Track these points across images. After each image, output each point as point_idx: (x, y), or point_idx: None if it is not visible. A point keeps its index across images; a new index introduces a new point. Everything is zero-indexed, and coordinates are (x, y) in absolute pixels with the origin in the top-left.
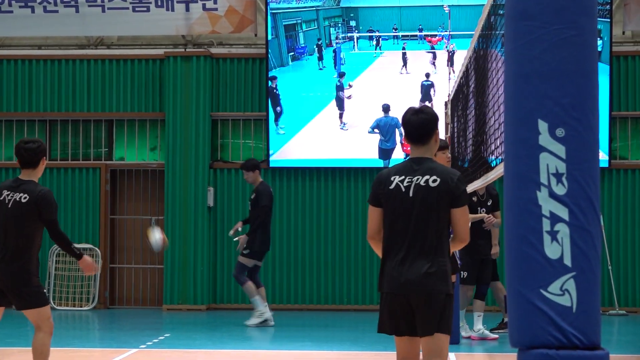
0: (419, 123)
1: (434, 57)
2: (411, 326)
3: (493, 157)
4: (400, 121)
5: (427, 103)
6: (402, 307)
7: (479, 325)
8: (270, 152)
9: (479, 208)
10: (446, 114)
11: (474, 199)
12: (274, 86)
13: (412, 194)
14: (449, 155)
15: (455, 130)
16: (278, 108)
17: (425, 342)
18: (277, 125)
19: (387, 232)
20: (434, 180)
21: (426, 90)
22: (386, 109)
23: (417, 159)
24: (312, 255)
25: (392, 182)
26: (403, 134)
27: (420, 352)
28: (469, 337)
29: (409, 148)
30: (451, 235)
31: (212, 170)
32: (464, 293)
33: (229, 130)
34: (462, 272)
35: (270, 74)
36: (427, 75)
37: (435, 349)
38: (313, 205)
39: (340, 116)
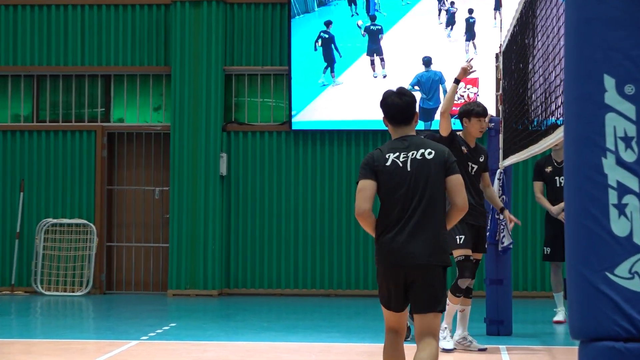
0: (404, 106)
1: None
2: (406, 300)
3: (553, 119)
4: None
5: (471, 42)
6: (403, 282)
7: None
8: (293, 112)
9: (556, 177)
10: (497, 67)
11: (548, 169)
12: (328, 31)
13: (410, 168)
14: (486, 123)
15: (509, 86)
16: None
17: (423, 319)
18: (332, 77)
19: (386, 209)
20: (430, 153)
21: (470, 27)
22: (427, 62)
23: (405, 137)
24: (341, 233)
25: (388, 159)
26: (384, 114)
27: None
28: (559, 322)
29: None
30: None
31: (225, 134)
32: None
33: (245, 87)
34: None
35: (294, 21)
36: (470, 11)
37: (434, 326)
38: (342, 174)
39: (382, 61)
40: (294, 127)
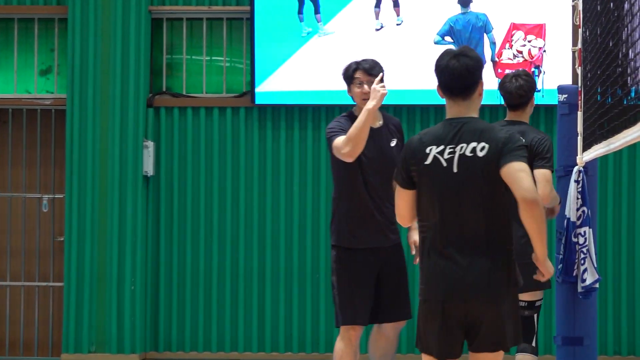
0: (461, 71)
1: None
2: (461, 342)
3: None
4: (484, 23)
5: None
6: (457, 319)
7: None
8: (257, 78)
9: None
10: (574, 8)
11: None
12: None
13: (456, 169)
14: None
15: (593, 38)
16: None
17: (484, 358)
18: (318, 20)
19: (427, 221)
20: (483, 148)
21: None
22: (466, 0)
23: (457, 120)
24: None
25: (428, 155)
26: (437, 83)
27: None
28: None
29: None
30: None
31: (152, 111)
32: None
33: (183, 39)
34: None
35: None
36: None
37: None
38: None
39: (396, 4)
40: (258, 101)
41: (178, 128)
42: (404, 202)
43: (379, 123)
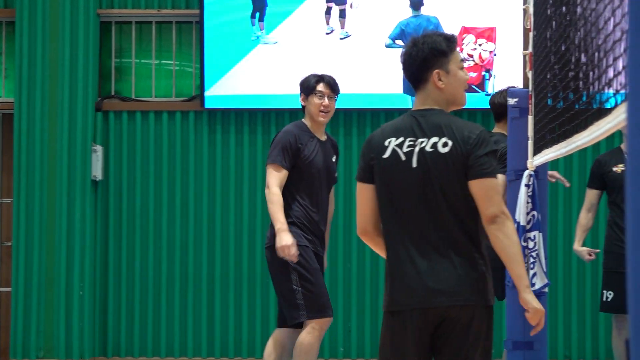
0: (405, 59)
1: None
2: (426, 356)
3: (611, 91)
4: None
5: None
6: (419, 330)
7: None
8: (207, 82)
9: None
10: (525, 12)
11: (618, 169)
12: None
13: (415, 164)
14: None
15: (542, 42)
16: None
17: None
18: (261, 28)
19: (387, 222)
20: (445, 144)
21: None
22: (417, 4)
23: (418, 112)
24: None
25: (387, 147)
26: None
27: None
28: None
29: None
30: None
31: (100, 115)
32: None
33: (132, 42)
34: None
35: None
36: None
37: None
38: None
39: (342, 15)
40: (207, 105)
41: (127, 132)
42: (365, 199)
43: (324, 137)
